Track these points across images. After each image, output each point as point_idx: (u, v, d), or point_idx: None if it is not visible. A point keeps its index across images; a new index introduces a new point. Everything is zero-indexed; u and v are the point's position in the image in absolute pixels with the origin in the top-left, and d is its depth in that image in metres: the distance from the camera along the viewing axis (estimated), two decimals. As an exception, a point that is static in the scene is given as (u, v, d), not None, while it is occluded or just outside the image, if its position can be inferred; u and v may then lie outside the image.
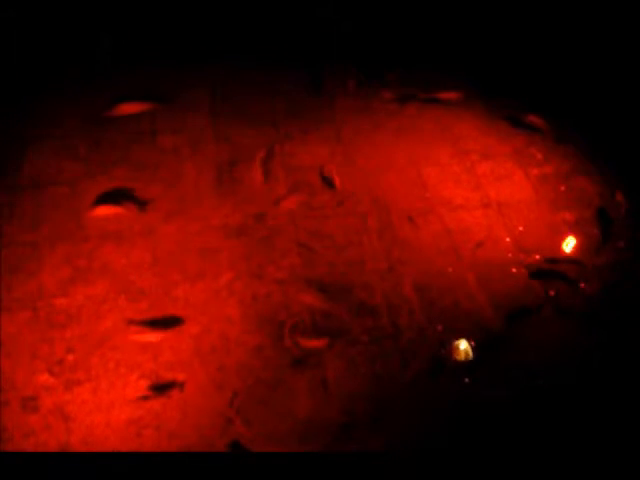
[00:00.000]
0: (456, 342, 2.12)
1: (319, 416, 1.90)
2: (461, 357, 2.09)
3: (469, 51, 3.35)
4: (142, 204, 2.42)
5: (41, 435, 1.81)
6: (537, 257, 2.40)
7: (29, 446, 1.78)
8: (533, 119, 2.94)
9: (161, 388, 1.93)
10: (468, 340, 2.12)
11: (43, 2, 3.18)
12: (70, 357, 1.98)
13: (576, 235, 2.51)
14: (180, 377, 1.96)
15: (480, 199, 2.60)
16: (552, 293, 2.29)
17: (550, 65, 3.29)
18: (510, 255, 2.41)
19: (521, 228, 2.50)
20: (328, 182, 2.58)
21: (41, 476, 1.51)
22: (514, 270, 2.36)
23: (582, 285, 2.33)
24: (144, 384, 1.93)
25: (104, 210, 2.37)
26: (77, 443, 1.80)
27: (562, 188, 2.68)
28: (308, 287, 2.23)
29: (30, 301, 2.10)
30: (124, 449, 1.80)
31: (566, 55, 3.32)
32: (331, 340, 2.09)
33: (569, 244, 2.47)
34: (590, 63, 3.27)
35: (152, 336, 2.04)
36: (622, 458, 1.82)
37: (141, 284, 2.18)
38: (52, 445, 1.79)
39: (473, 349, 2.10)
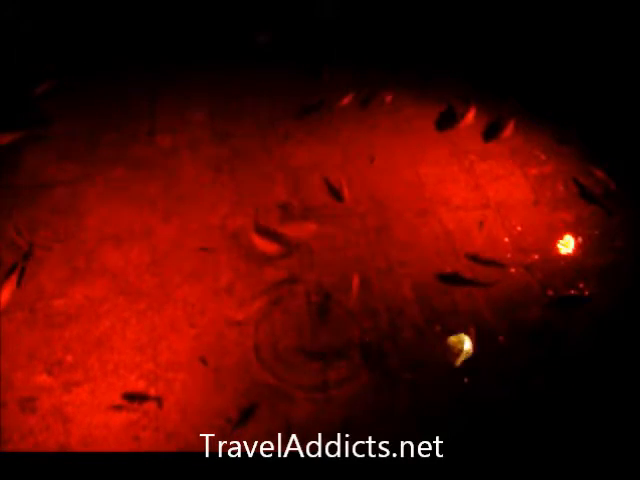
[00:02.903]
0: (454, 342, 2.12)
1: (319, 417, 1.90)
2: (459, 357, 2.09)
3: (468, 52, 3.34)
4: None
5: (40, 436, 1.81)
6: (536, 257, 2.40)
7: (28, 447, 1.78)
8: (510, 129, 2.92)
9: (160, 389, 1.93)
10: (466, 340, 2.13)
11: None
12: (69, 358, 1.98)
13: (575, 235, 2.51)
14: (179, 378, 1.96)
15: (479, 199, 2.61)
16: (550, 293, 2.29)
17: (549, 66, 3.29)
18: (509, 255, 2.41)
19: (519, 228, 2.51)
20: (330, 186, 2.58)
21: (40, 476, 1.51)
22: (513, 270, 2.36)
23: (580, 285, 2.33)
24: (143, 385, 1.94)
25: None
26: (76, 444, 1.80)
27: (560, 188, 2.68)
28: (307, 288, 2.23)
29: (29, 302, 2.10)
30: (123, 450, 1.80)
31: (566, 56, 3.32)
32: (330, 341, 2.09)
33: (568, 244, 2.47)
34: (591, 63, 3.27)
35: (151, 337, 2.04)
36: (622, 459, 1.83)
37: (140, 285, 2.18)
38: (51, 446, 1.79)
39: (471, 349, 2.11)
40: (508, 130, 2.88)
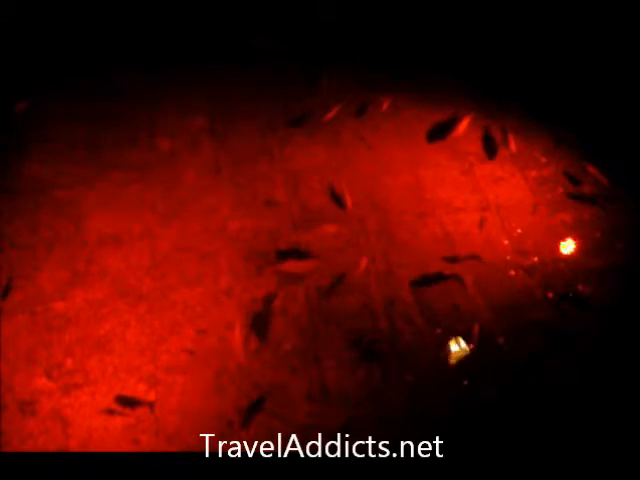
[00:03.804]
0: (454, 344, 2.12)
1: (318, 419, 1.90)
2: (459, 359, 2.08)
3: (468, 54, 3.36)
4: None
5: (39, 439, 1.80)
6: (535, 259, 2.40)
7: (27, 450, 1.78)
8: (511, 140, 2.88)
9: (160, 391, 1.93)
10: (466, 342, 2.12)
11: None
12: (68, 361, 1.98)
13: (575, 236, 2.51)
14: (180, 380, 1.96)
15: (479, 201, 2.61)
16: (550, 295, 2.29)
17: (548, 67, 3.30)
18: (508, 257, 2.41)
19: (519, 230, 2.51)
20: (332, 192, 2.58)
21: (40, 476, 1.50)
22: (512, 273, 2.36)
23: (580, 287, 2.33)
24: (143, 388, 1.93)
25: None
26: (76, 447, 1.80)
27: (560, 190, 2.68)
28: (306, 289, 2.23)
29: (28, 305, 2.10)
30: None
31: (563, 57, 3.34)
32: (330, 343, 2.09)
33: (568, 245, 2.47)
34: (588, 64, 3.28)
35: (151, 340, 2.04)
36: (622, 460, 1.82)
37: (140, 288, 2.19)
38: (51, 449, 1.79)
39: (471, 351, 2.10)
40: (512, 143, 2.86)
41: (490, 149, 2.81)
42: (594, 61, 3.31)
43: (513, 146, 2.83)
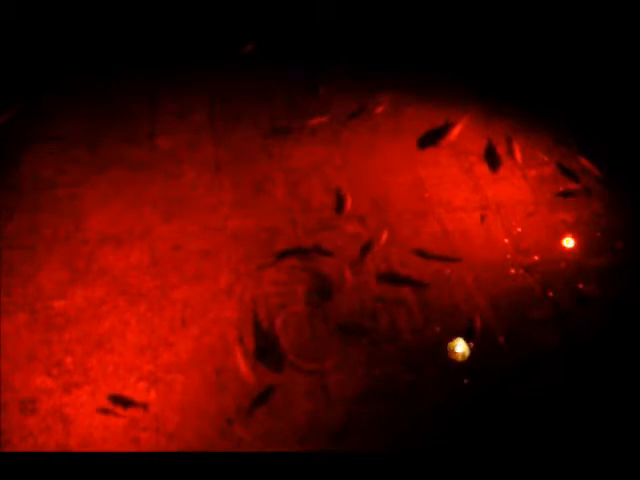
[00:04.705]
0: (454, 344, 2.12)
1: (319, 418, 1.90)
2: (459, 359, 2.09)
3: (467, 52, 3.35)
4: None
5: (40, 437, 1.80)
6: (535, 258, 2.40)
7: (28, 448, 1.78)
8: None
9: (160, 390, 1.93)
10: (467, 342, 2.12)
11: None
12: (69, 359, 1.98)
13: (575, 235, 2.51)
14: (179, 379, 1.96)
15: (479, 200, 2.61)
16: (550, 294, 2.29)
17: (546, 65, 3.29)
18: (509, 256, 2.41)
19: (519, 229, 2.51)
20: (331, 190, 2.58)
21: (40, 476, 1.51)
22: (512, 271, 2.36)
23: (580, 286, 2.33)
24: (143, 386, 1.93)
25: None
26: (76, 445, 1.80)
27: (560, 188, 2.68)
28: (307, 289, 2.23)
29: (29, 303, 2.10)
30: (123, 451, 1.80)
31: (561, 56, 3.34)
32: (330, 342, 2.09)
33: (567, 245, 2.47)
34: (588, 63, 3.28)
35: (151, 338, 2.04)
36: (621, 461, 1.82)
37: (140, 286, 2.18)
38: (51, 447, 1.79)
39: (472, 350, 2.10)
40: (517, 153, 2.82)
41: (493, 161, 2.78)
42: (592, 58, 3.31)
43: (519, 155, 2.80)
